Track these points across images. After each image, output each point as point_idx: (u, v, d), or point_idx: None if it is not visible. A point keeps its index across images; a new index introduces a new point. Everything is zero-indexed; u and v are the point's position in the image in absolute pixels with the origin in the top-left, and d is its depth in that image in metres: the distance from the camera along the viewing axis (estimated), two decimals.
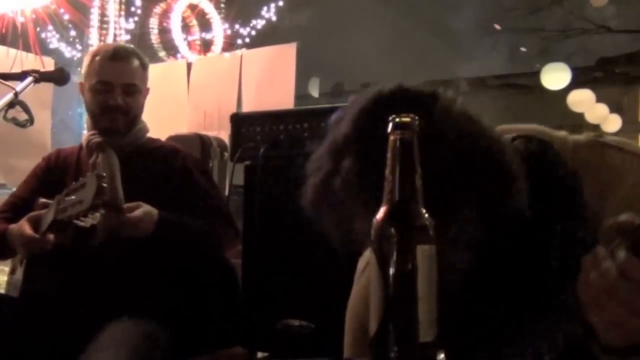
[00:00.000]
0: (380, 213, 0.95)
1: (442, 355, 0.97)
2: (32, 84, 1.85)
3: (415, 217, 0.94)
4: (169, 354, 1.94)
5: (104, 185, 1.71)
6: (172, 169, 2.15)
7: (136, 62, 2.16)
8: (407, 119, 0.94)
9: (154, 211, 1.92)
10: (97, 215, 1.77)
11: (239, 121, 2.42)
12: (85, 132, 4.10)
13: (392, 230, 0.93)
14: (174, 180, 2.12)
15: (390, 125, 0.94)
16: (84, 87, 2.17)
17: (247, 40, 4.30)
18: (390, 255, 0.93)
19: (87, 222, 1.76)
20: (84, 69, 2.21)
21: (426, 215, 0.95)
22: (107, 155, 2.09)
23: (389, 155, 0.94)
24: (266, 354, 2.32)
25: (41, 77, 1.89)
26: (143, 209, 1.91)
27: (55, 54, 4.20)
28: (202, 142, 3.00)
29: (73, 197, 1.78)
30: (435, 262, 0.95)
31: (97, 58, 2.13)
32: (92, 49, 2.29)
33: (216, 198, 2.20)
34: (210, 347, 2.17)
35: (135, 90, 2.14)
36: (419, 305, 0.92)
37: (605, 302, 0.85)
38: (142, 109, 2.20)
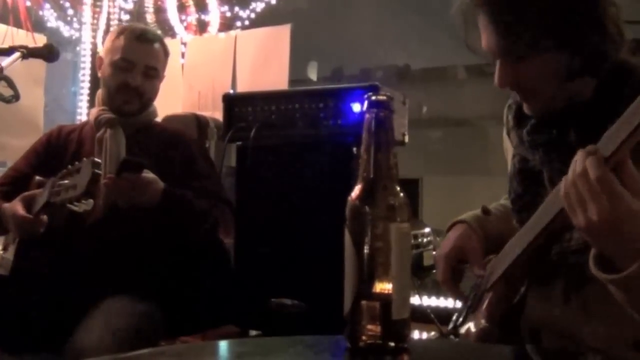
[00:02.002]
0: (355, 191, 0.95)
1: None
2: (20, 59, 1.83)
3: (390, 196, 0.94)
4: (162, 332, 1.95)
5: (99, 172, 1.71)
6: (176, 152, 2.15)
7: (161, 48, 2.18)
8: (383, 98, 0.94)
9: (161, 182, 1.93)
10: (91, 201, 1.77)
11: (232, 101, 2.41)
12: (80, 110, 4.17)
13: (366, 208, 0.93)
14: (177, 162, 2.12)
15: (366, 103, 0.95)
16: (103, 61, 2.17)
17: (247, 22, 4.27)
18: (365, 233, 0.93)
19: (80, 207, 1.76)
20: (106, 44, 2.21)
21: (401, 194, 0.95)
22: (115, 133, 2.09)
23: (364, 133, 0.94)
24: (259, 332, 2.34)
25: (29, 52, 1.87)
26: (153, 175, 1.91)
27: (52, 32, 4.17)
28: (199, 122, 2.99)
29: (67, 181, 1.77)
30: (409, 240, 0.95)
31: (123, 36, 2.13)
32: (118, 26, 2.29)
33: (216, 182, 2.21)
34: (204, 326, 2.19)
35: (155, 75, 2.16)
36: (392, 283, 0.93)
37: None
38: (157, 94, 2.22)
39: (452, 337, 1.42)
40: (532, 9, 1.15)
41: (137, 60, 2.11)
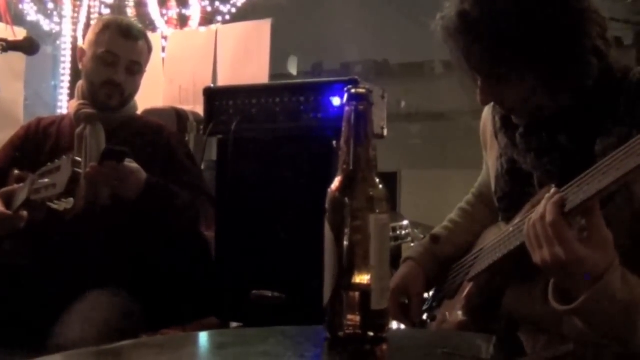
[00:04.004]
0: (335, 183, 0.96)
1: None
2: None
3: (369, 187, 0.96)
4: (144, 325, 1.95)
5: (79, 171, 1.70)
6: (157, 146, 2.15)
7: (145, 44, 2.17)
8: (362, 91, 0.96)
9: (144, 173, 1.93)
10: (71, 199, 1.75)
11: (212, 95, 2.41)
12: (60, 104, 4.14)
13: (346, 199, 0.95)
14: (157, 156, 2.11)
15: (346, 96, 0.96)
16: (85, 54, 2.15)
17: (228, 17, 4.26)
18: (345, 224, 0.94)
19: (60, 205, 1.74)
20: (89, 36, 2.18)
21: (380, 185, 0.97)
22: (95, 128, 2.08)
23: (343, 125, 0.96)
24: (240, 324, 2.34)
25: (9, 46, 1.86)
26: (137, 165, 1.91)
27: (32, 26, 4.13)
28: (179, 116, 2.98)
29: (47, 179, 1.76)
30: (388, 231, 0.97)
31: (109, 30, 2.11)
32: (102, 20, 2.25)
33: (197, 175, 2.21)
34: (185, 318, 2.19)
35: (138, 70, 2.14)
36: (372, 273, 0.94)
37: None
38: (138, 90, 2.20)
39: (425, 317, 1.47)
40: (514, 35, 1.17)
41: (122, 54, 2.09)
